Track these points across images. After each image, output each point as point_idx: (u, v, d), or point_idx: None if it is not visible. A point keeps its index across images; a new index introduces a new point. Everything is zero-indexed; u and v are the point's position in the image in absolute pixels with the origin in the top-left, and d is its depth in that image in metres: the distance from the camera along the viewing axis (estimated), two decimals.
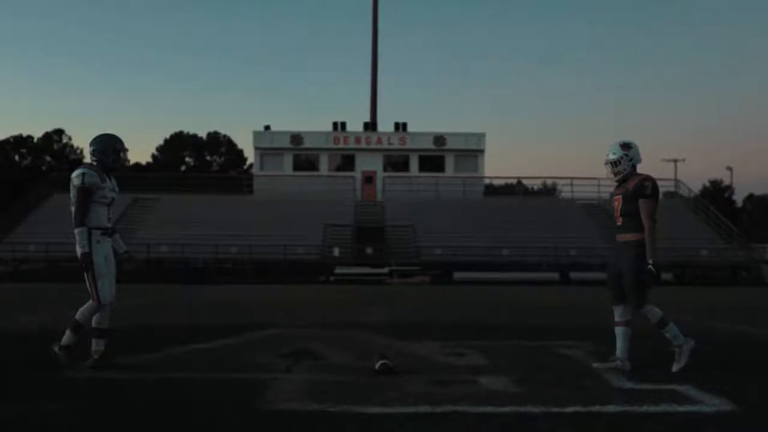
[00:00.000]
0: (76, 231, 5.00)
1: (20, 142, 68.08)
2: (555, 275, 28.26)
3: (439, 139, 38.46)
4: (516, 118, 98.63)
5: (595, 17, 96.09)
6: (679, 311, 10.04)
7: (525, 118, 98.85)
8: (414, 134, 38.79)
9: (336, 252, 29.99)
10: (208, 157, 71.14)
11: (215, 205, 34.35)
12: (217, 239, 30.01)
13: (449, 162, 38.53)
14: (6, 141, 66.55)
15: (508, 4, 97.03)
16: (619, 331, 5.32)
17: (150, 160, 68.31)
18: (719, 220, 34.10)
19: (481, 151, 38.69)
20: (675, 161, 52.99)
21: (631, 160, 5.27)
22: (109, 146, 5.24)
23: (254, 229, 31.09)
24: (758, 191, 69.24)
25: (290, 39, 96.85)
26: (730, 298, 16.17)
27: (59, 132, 70.29)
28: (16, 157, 67.41)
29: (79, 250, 4.99)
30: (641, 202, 5.09)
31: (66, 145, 70.71)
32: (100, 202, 5.09)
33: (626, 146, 5.29)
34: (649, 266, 4.99)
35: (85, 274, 5.04)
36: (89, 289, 5.04)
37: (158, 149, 69.32)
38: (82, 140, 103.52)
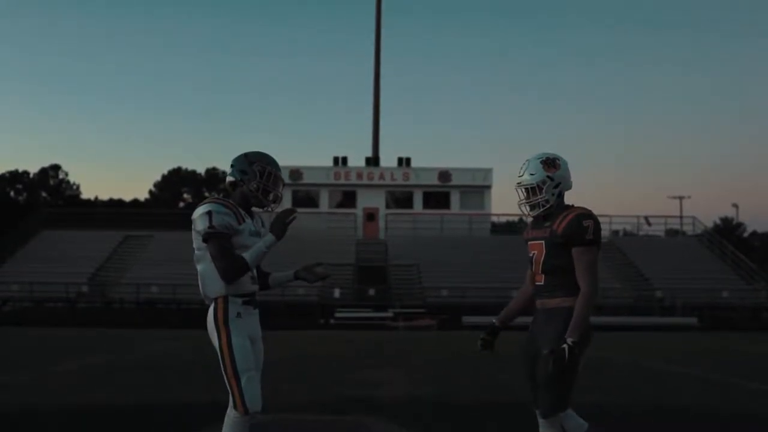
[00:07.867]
0: (211, 309, 3.19)
1: (16, 177, 67.09)
2: None
3: (444, 174, 37.21)
4: (522, 154, 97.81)
5: (599, 55, 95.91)
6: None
7: (530, 153, 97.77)
8: (418, 169, 37.55)
9: (336, 293, 28.42)
10: (206, 194, 70.06)
11: None
12: None
13: (455, 198, 37.21)
14: (1, 176, 65.52)
15: (514, 38, 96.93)
16: None
17: (147, 196, 67.45)
18: (737, 258, 32.58)
19: (488, 187, 37.37)
20: (680, 198, 51.66)
21: (557, 186, 3.33)
22: (256, 169, 3.29)
23: None
24: (761, 228, 67.78)
25: (289, 71, 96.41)
26: None
27: (56, 167, 69.38)
28: (12, 193, 66.35)
29: (216, 342, 3.16)
30: (578, 251, 3.22)
31: (62, 180, 69.78)
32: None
33: (549, 164, 3.35)
34: (565, 344, 3.10)
35: (222, 367, 3.15)
36: (229, 390, 3.13)
37: (156, 185, 68.56)
38: (78, 176, 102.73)
